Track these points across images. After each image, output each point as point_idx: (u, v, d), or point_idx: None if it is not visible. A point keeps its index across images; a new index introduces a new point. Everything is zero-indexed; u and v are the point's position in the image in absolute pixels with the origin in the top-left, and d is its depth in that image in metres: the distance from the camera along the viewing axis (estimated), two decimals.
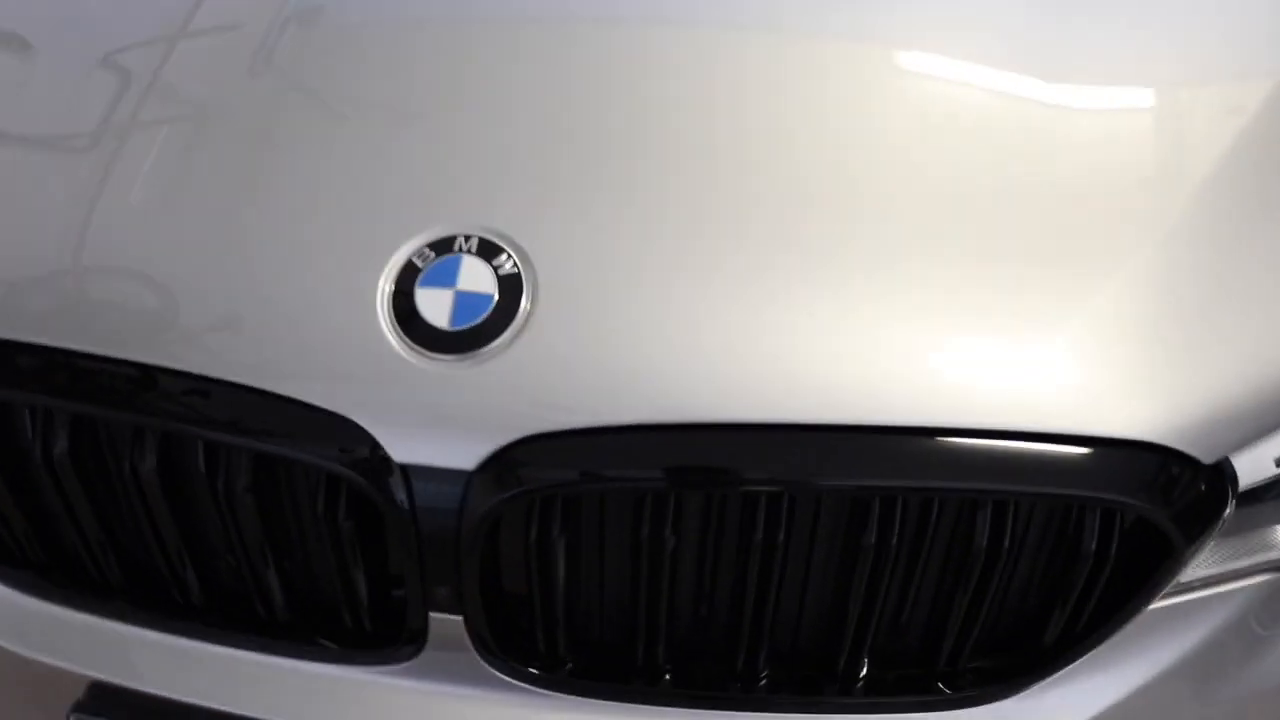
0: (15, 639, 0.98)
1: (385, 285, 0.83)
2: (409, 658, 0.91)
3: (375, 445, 0.80)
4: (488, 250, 0.83)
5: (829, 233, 0.86)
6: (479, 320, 0.81)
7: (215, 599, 0.96)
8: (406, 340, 0.81)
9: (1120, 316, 0.83)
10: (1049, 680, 0.89)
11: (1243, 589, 0.90)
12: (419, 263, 0.83)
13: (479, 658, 0.89)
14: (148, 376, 0.85)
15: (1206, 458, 0.82)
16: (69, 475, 0.89)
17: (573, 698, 0.90)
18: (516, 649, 0.90)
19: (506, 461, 0.80)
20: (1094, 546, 0.82)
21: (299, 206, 0.89)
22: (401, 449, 0.80)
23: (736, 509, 0.83)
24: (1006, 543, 0.81)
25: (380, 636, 0.92)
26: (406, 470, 0.81)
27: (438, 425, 0.81)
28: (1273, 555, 0.89)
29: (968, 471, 0.79)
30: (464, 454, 0.80)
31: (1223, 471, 0.83)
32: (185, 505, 0.90)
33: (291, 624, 0.94)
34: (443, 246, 0.83)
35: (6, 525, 0.96)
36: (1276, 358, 0.84)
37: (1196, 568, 0.87)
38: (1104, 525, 0.82)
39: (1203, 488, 0.82)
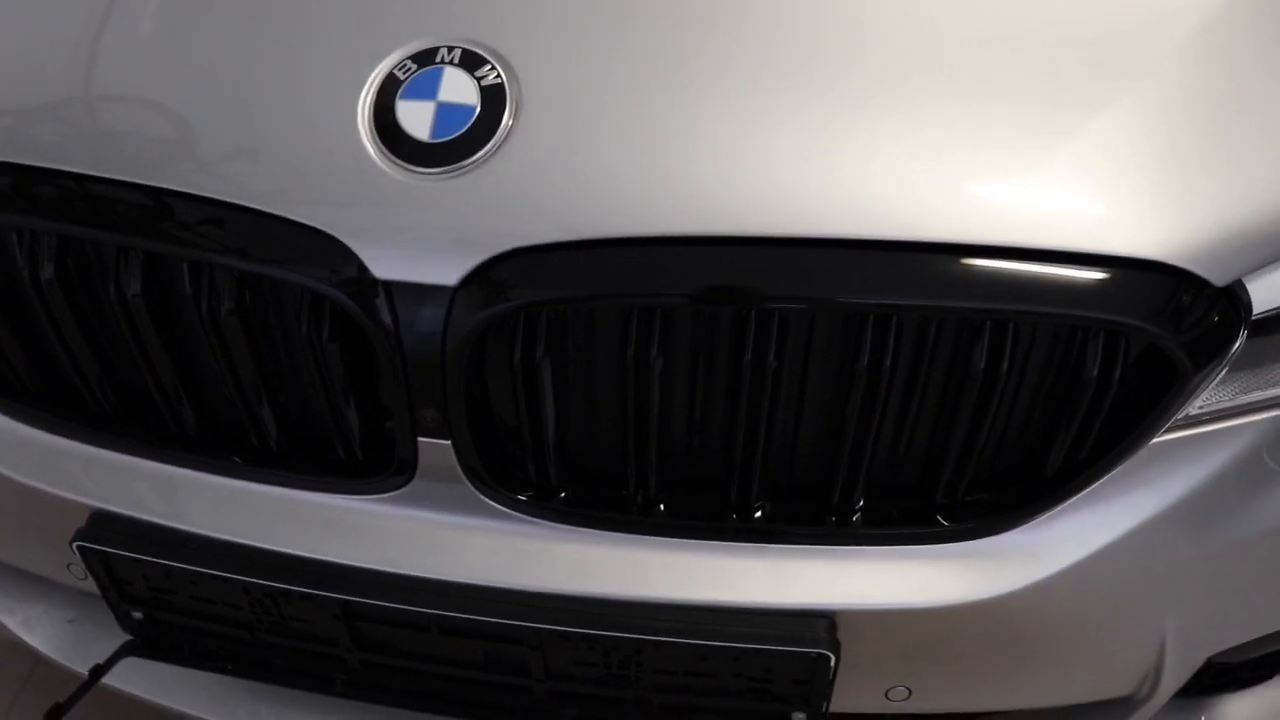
0: (18, 468, 0.99)
1: (367, 99, 0.80)
2: (399, 486, 0.91)
3: (358, 262, 0.79)
4: (470, 61, 0.80)
5: (831, 57, 0.82)
6: (460, 132, 0.78)
7: (211, 429, 0.96)
8: (387, 154, 0.79)
9: (1131, 136, 0.79)
10: (1050, 513, 0.87)
11: (1253, 424, 0.86)
12: (400, 75, 0.80)
13: (469, 485, 0.89)
14: (130, 196, 0.83)
15: (1219, 280, 0.78)
16: (58, 301, 0.89)
17: (565, 527, 0.90)
18: (508, 478, 0.89)
19: (490, 277, 0.78)
20: (1096, 373, 0.79)
21: (286, 26, 0.86)
22: (384, 266, 0.79)
23: (727, 329, 0.80)
24: (1005, 365, 0.78)
25: (372, 465, 0.91)
26: (389, 287, 0.79)
27: (420, 241, 0.79)
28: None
29: (965, 289, 0.76)
30: (446, 269, 0.78)
31: (1235, 296, 0.79)
32: (178, 334, 0.90)
33: (285, 454, 0.94)
34: (425, 58, 0.81)
35: (4, 356, 0.96)
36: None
37: (1206, 400, 0.84)
38: (1108, 351, 0.79)
39: (1213, 312, 0.78)
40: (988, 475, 0.88)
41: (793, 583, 0.89)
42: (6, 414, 0.99)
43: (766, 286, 0.77)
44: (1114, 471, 0.85)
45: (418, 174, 0.78)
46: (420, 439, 0.86)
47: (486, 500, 0.89)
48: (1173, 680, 0.99)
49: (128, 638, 1.08)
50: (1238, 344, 0.80)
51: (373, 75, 0.81)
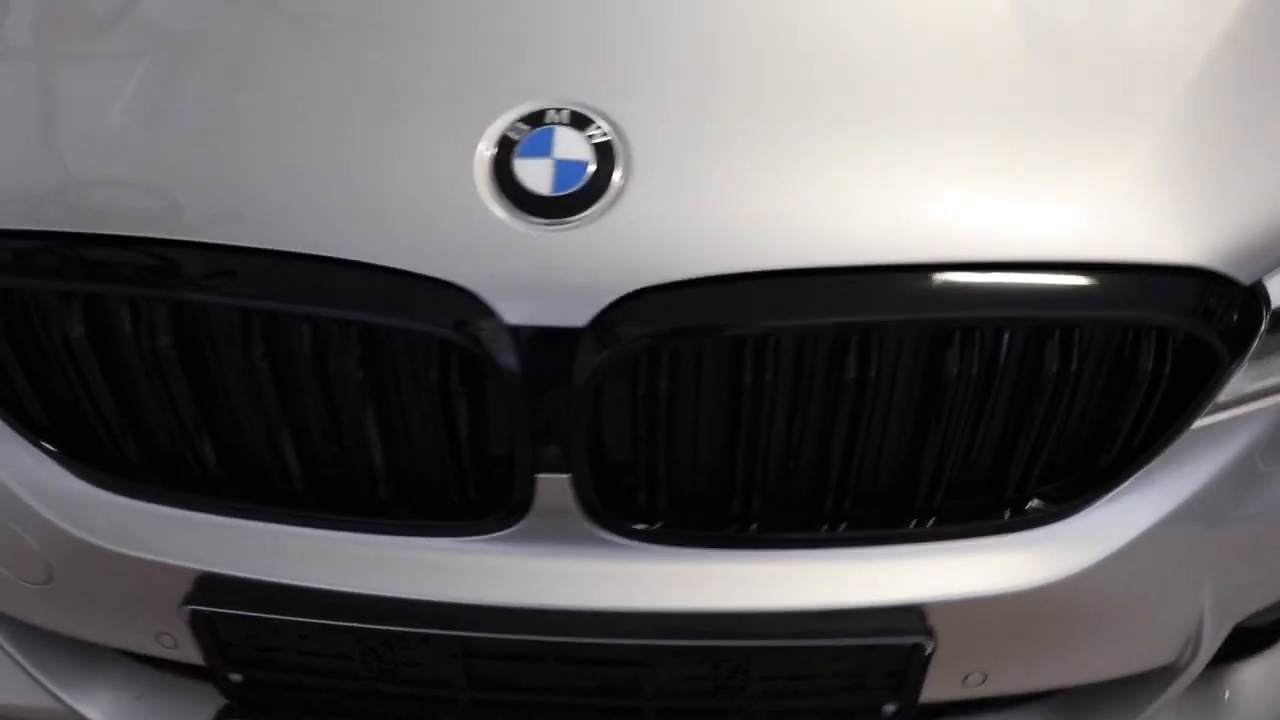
0: (121, 541, 1.00)
1: (484, 158, 0.87)
2: (513, 525, 0.96)
3: (487, 310, 0.85)
4: (579, 121, 0.88)
5: (892, 103, 0.92)
6: (578, 186, 0.86)
7: (315, 484, 1.00)
8: (511, 208, 0.86)
9: (1161, 156, 0.91)
10: (1106, 499, 0.97)
11: (1266, 408, 0.98)
12: (513, 136, 0.87)
13: (582, 516, 0.95)
14: (257, 262, 0.88)
15: (1245, 280, 0.90)
16: (173, 366, 0.92)
17: (672, 549, 0.97)
18: (617, 507, 0.95)
19: (617, 317, 0.85)
20: (1150, 368, 0.90)
21: (395, 92, 0.92)
22: (512, 312, 0.85)
23: (826, 351, 0.89)
24: (1074, 365, 0.89)
25: (485, 507, 0.97)
26: (517, 332, 0.85)
27: (546, 287, 0.85)
28: None
29: (1040, 301, 0.87)
30: (575, 312, 0.85)
31: (1258, 292, 0.91)
32: (288, 394, 0.94)
33: (394, 504, 0.99)
34: (535, 119, 0.88)
35: (105, 427, 0.99)
36: None
37: (1229, 389, 0.96)
38: (1157, 347, 0.90)
39: (1243, 308, 0.90)
40: (1048, 469, 0.98)
41: (883, 581, 0.97)
42: (107, 487, 1.01)
43: (864, 310, 0.86)
44: (1158, 457, 0.96)
45: (542, 226, 0.85)
46: (539, 475, 0.92)
47: (597, 531, 0.95)
48: (1209, 647, 1.10)
49: (218, 705, 1.11)
50: (1260, 334, 0.92)
51: (486, 136, 0.88)
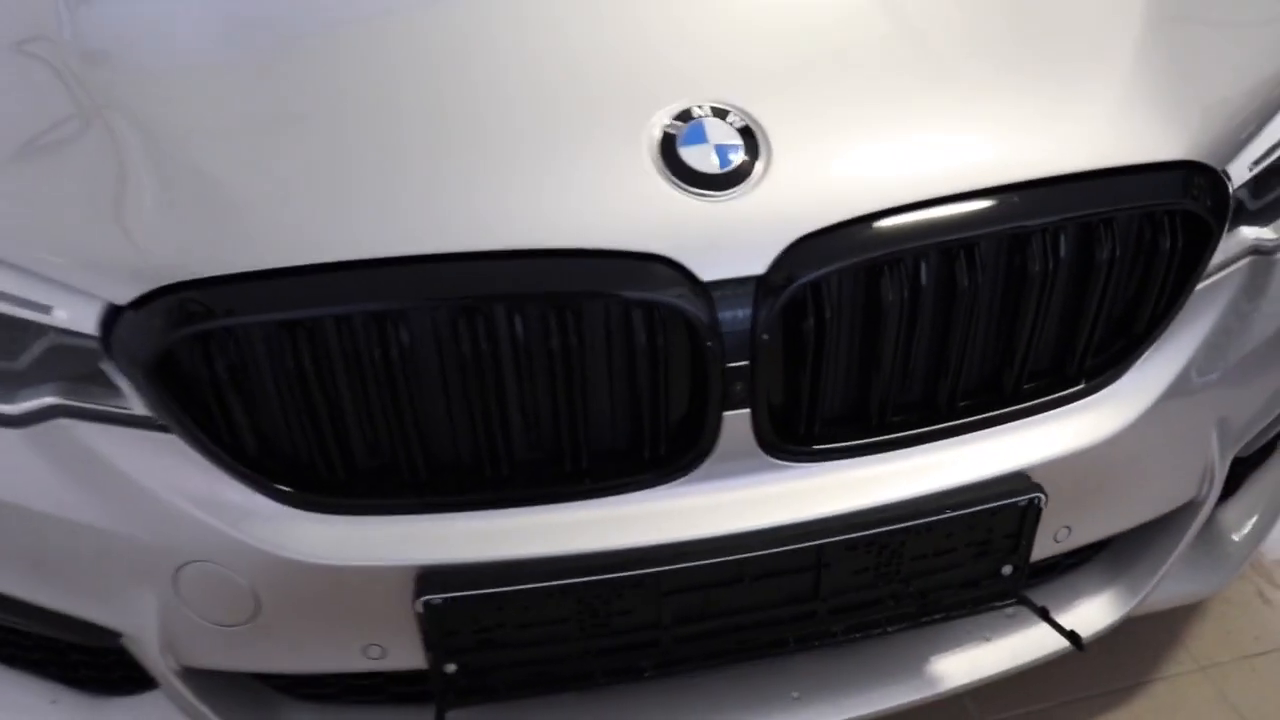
0: (339, 555, 1.10)
1: (654, 150, 1.05)
2: (696, 467, 1.12)
3: (686, 272, 1.02)
4: (719, 113, 1.07)
5: (939, 69, 1.16)
6: (736, 164, 1.05)
7: (516, 467, 1.12)
8: (686, 188, 1.04)
9: (1140, 83, 1.18)
10: (1139, 362, 1.22)
11: (1240, 268, 1.27)
12: (672, 131, 1.06)
13: (756, 447, 1.12)
14: (475, 261, 1.02)
15: (1219, 167, 1.18)
16: (398, 375, 1.04)
17: (828, 463, 1.15)
18: (784, 434, 1.13)
19: (785, 260, 1.04)
20: (1168, 245, 1.16)
21: (560, 105, 1.09)
22: (705, 271, 1.03)
23: (936, 266, 1.10)
24: (1118, 251, 1.14)
25: (668, 459, 1.12)
26: (711, 287, 1.03)
27: (728, 246, 1.03)
28: (1248, 244, 1.27)
29: (1090, 201, 1.11)
30: (752, 263, 1.04)
31: (1227, 175, 1.19)
32: (496, 384, 1.07)
33: (589, 471, 1.13)
34: (684, 116, 1.07)
35: (319, 449, 1.09)
36: (1244, 90, 1.22)
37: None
38: (1169, 229, 1.17)
39: (1222, 190, 1.18)
40: (1096, 343, 1.22)
41: (995, 457, 1.18)
42: (318, 508, 1.10)
43: (967, 227, 1.08)
44: (1175, 319, 1.22)
45: (715, 199, 1.04)
46: (725, 414, 1.09)
47: (768, 458, 1.13)
48: (1219, 479, 1.36)
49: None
50: (1230, 209, 1.21)
51: (649, 133, 1.06)
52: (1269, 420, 1.40)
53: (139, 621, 1.17)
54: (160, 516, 1.11)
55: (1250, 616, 1.77)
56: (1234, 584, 1.81)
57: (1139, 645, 1.72)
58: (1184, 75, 1.21)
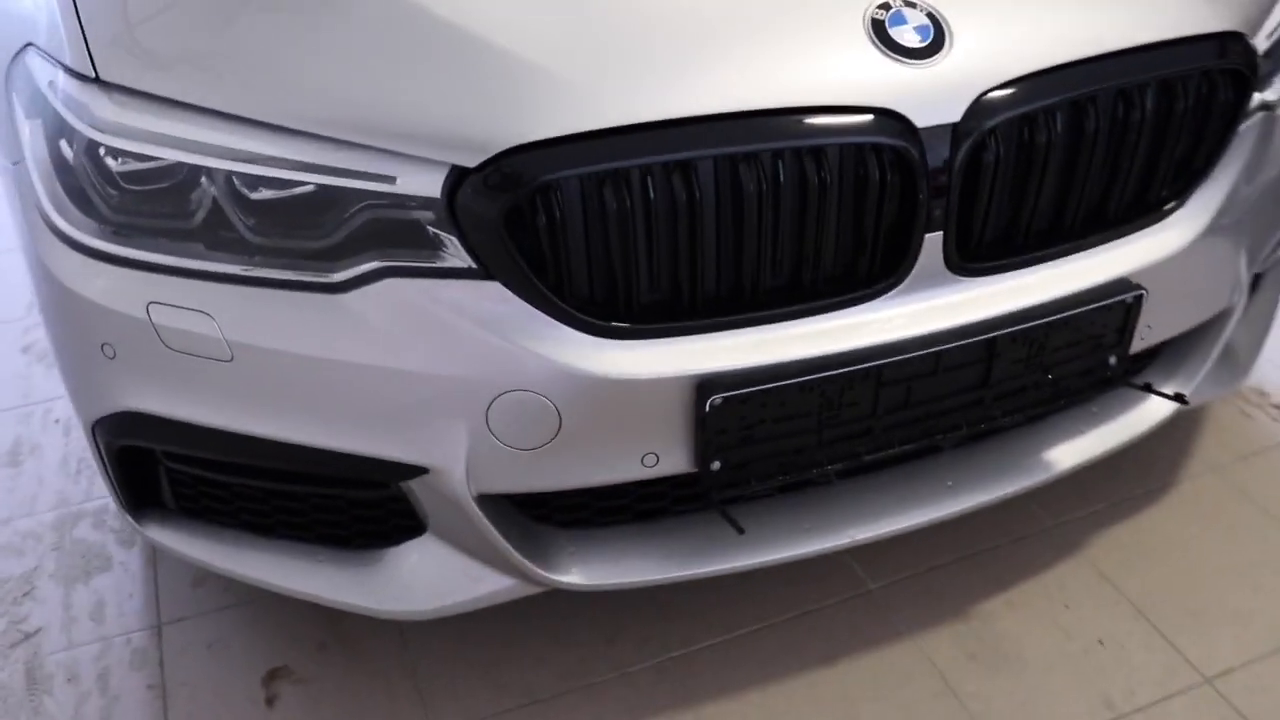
0: (636, 369, 1.36)
1: (870, 33, 1.35)
2: (900, 283, 1.43)
3: (907, 121, 1.34)
4: (909, 4, 1.39)
5: None
6: (932, 39, 1.37)
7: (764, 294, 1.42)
8: (902, 60, 1.35)
9: None
10: (1204, 183, 1.60)
11: (1252, 125, 1.65)
12: (879, 16, 1.37)
13: (943, 266, 1.44)
14: (750, 118, 1.31)
15: (1250, 35, 1.56)
16: (685, 215, 1.32)
17: (994, 276, 1.48)
18: (964, 253, 1.46)
19: (974, 109, 1.36)
20: (1228, 97, 1.53)
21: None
22: (920, 119, 1.34)
23: (1074, 115, 1.44)
24: (1187, 104, 1.50)
25: (883, 274, 1.43)
26: (923, 131, 1.35)
27: (935, 101, 1.35)
28: (1257, 103, 1.65)
29: (1174, 61, 1.47)
30: (952, 112, 1.36)
31: (1253, 44, 1.57)
32: (751, 223, 1.36)
33: (822, 290, 1.42)
34: (885, 7, 1.38)
35: (623, 282, 1.35)
36: None
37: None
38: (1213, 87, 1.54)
39: (1251, 52, 1.56)
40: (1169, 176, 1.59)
41: (1107, 265, 1.54)
42: (614, 335, 1.36)
43: (1091, 82, 1.43)
44: (1224, 154, 1.60)
45: (920, 65, 1.35)
46: (926, 235, 1.40)
47: (951, 275, 1.45)
48: (1244, 290, 1.75)
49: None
50: (1258, 69, 1.59)
51: (861, 16, 1.36)
52: (1273, 245, 1.80)
53: (449, 455, 1.41)
54: (482, 354, 1.35)
55: (1238, 428, 2.19)
56: (1219, 405, 2.24)
57: (1155, 459, 2.11)
58: None
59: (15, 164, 1.50)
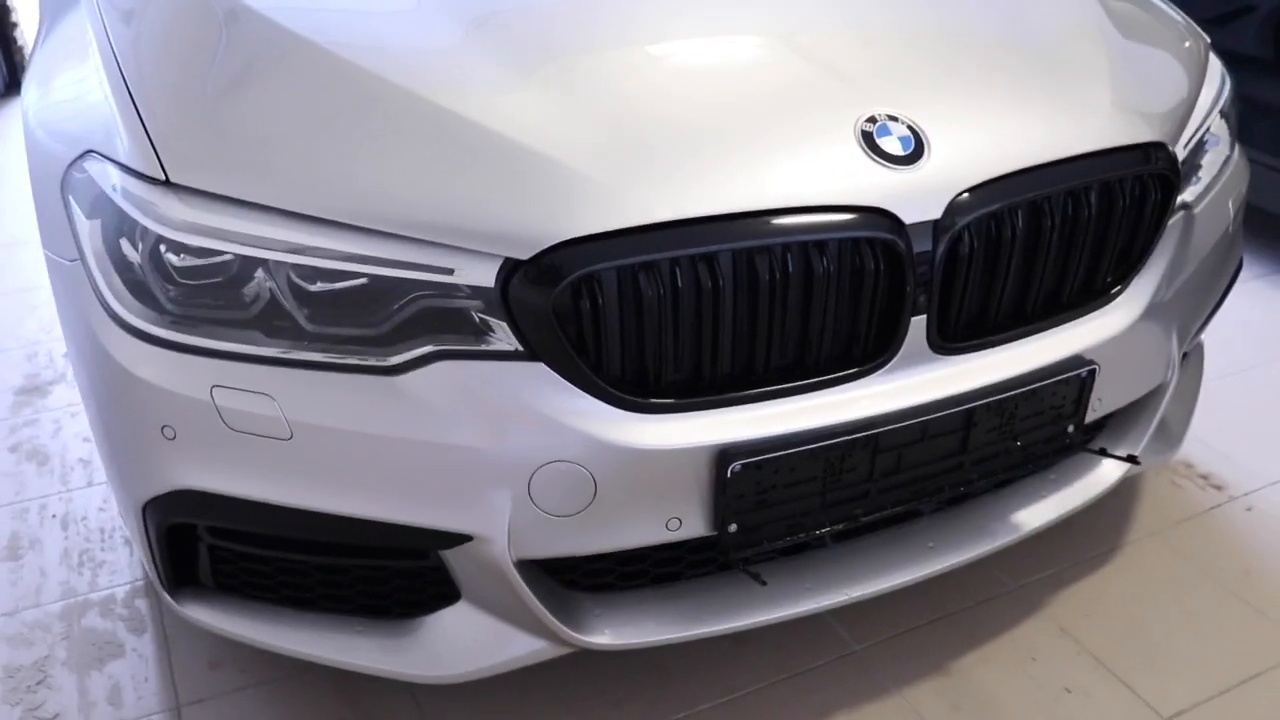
0: (662, 440, 1.52)
1: (861, 142, 1.56)
2: (890, 361, 1.62)
3: (895, 218, 1.54)
4: (892, 118, 1.60)
5: (970, 78, 1.74)
6: (914, 147, 1.58)
7: (773, 370, 1.59)
8: (887, 165, 1.55)
9: (1115, 87, 1.80)
10: (1135, 278, 1.83)
11: (1175, 222, 1.90)
12: (868, 128, 1.58)
13: (926, 344, 1.63)
14: (761, 216, 1.49)
15: (1171, 146, 1.81)
16: (709, 300, 1.49)
17: (971, 354, 1.67)
18: (944, 335, 1.65)
19: (954, 206, 1.57)
20: (1157, 198, 1.77)
21: (791, 107, 1.60)
22: (907, 216, 1.54)
23: (1031, 215, 1.66)
24: (1124, 203, 1.74)
25: (875, 354, 1.61)
26: (909, 227, 1.55)
27: (918, 200, 1.55)
28: (1177, 203, 1.91)
29: (1111, 168, 1.71)
30: (933, 210, 1.56)
31: (1174, 153, 1.82)
32: (763, 308, 1.53)
33: (823, 368, 1.60)
34: (872, 120, 1.59)
35: (652, 363, 1.51)
36: (1178, 93, 1.87)
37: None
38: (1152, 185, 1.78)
39: (1173, 159, 1.81)
40: (1109, 268, 1.81)
41: (1064, 343, 1.74)
42: (644, 410, 1.52)
43: (1038, 188, 1.65)
44: (1156, 246, 1.83)
45: (906, 170, 1.56)
46: (912, 318, 1.60)
47: (932, 353, 1.64)
48: (1177, 367, 1.98)
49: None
50: (1181, 174, 1.84)
51: (852, 128, 1.57)
52: (1197, 326, 2.05)
53: (493, 523, 1.53)
54: (526, 429, 1.49)
55: (1171, 497, 2.41)
56: (1153, 478, 2.46)
57: (1103, 527, 2.32)
58: (1144, 84, 1.85)
59: (71, 261, 1.62)
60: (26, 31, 5.46)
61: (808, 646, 2.02)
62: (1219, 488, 2.45)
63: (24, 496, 2.43)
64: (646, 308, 1.48)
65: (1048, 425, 1.77)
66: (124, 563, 2.23)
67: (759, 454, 1.54)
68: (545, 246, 1.43)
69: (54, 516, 2.36)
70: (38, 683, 1.95)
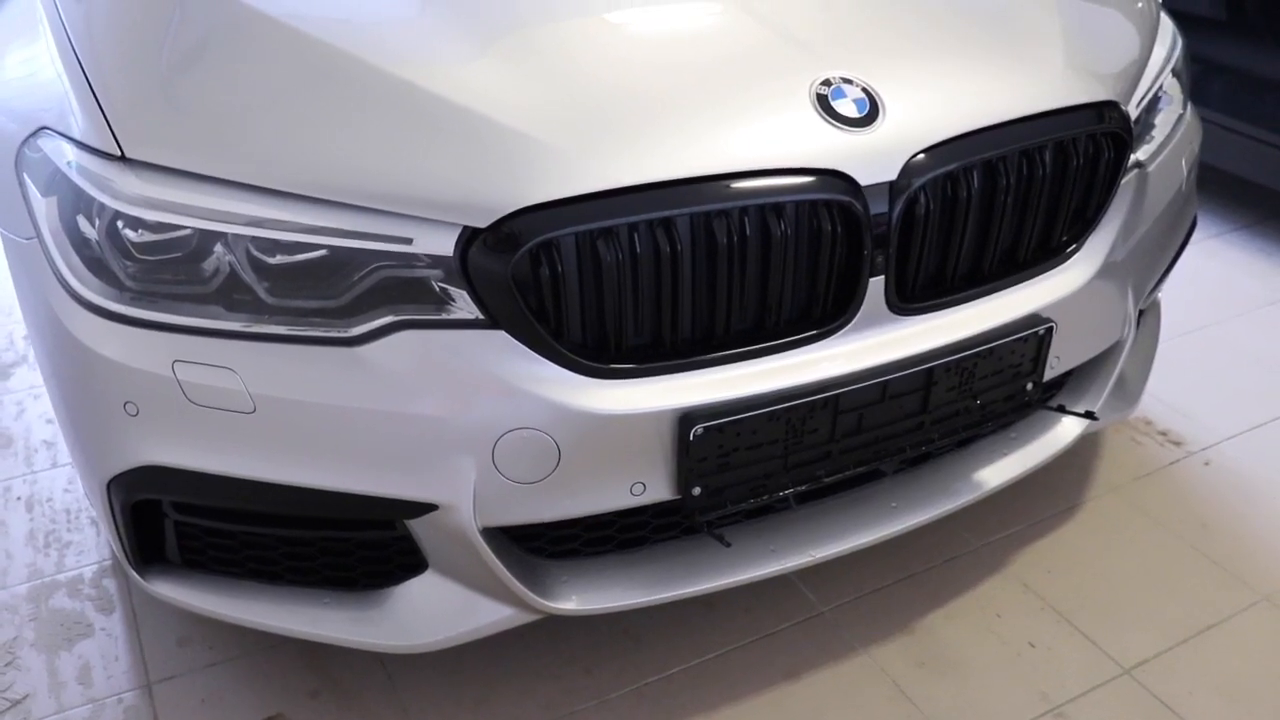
0: (624, 405, 1.53)
1: (816, 105, 1.57)
2: (848, 323, 1.63)
3: (853, 180, 1.55)
4: (846, 81, 1.61)
5: (925, 40, 1.75)
6: (868, 110, 1.59)
7: (733, 333, 1.60)
8: (843, 128, 1.56)
9: (1069, 48, 1.81)
10: (1091, 236, 1.85)
11: (1129, 180, 1.93)
12: (822, 91, 1.59)
13: (884, 305, 1.65)
14: (720, 180, 1.50)
15: (1123, 105, 1.83)
16: (667, 266, 1.50)
17: (928, 314, 1.69)
18: (901, 295, 1.67)
19: (909, 167, 1.58)
20: (1109, 157, 1.79)
21: (742, 76, 1.60)
22: (863, 178, 1.55)
23: (986, 175, 1.68)
24: (1078, 162, 1.75)
25: (833, 315, 1.63)
26: (865, 189, 1.56)
27: (874, 162, 1.56)
28: (1130, 161, 1.93)
29: (1065, 126, 1.72)
30: (888, 172, 1.57)
31: (1127, 112, 1.85)
32: (721, 272, 1.54)
33: (783, 330, 1.61)
34: (827, 83, 1.60)
35: (612, 327, 1.52)
36: (1131, 53, 1.89)
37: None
38: (1106, 144, 1.80)
39: (1126, 118, 1.83)
40: (1065, 226, 1.83)
41: (1023, 301, 1.76)
42: (603, 375, 1.52)
43: (995, 147, 1.67)
44: (1110, 204, 1.86)
45: (861, 132, 1.57)
46: (870, 279, 1.61)
47: (890, 314, 1.66)
48: (1133, 324, 2.01)
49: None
50: (1134, 130, 1.86)
51: (807, 92, 1.58)
52: (1152, 284, 2.08)
53: (458, 491, 1.54)
54: (489, 397, 1.50)
55: (1130, 454, 2.45)
56: (1113, 435, 2.50)
57: (1063, 484, 2.35)
58: (1096, 43, 1.86)
59: (28, 240, 1.60)
60: None
61: (775, 609, 2.04)
62: (1177, 443, 2.49)
63: None
64: (606, 273, 1.49)
65: (1007, 383, 1.79)
66: (91, 543, 2.23)
67: (721, 417, 1.55)
68: (503, 214, 1.44)
69: (19, 499, 2.35)
70: (7, 664, 1.95)
